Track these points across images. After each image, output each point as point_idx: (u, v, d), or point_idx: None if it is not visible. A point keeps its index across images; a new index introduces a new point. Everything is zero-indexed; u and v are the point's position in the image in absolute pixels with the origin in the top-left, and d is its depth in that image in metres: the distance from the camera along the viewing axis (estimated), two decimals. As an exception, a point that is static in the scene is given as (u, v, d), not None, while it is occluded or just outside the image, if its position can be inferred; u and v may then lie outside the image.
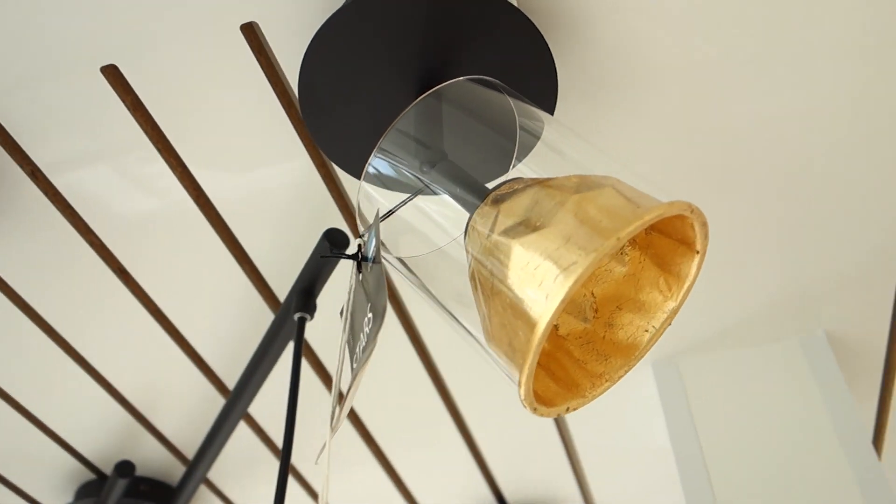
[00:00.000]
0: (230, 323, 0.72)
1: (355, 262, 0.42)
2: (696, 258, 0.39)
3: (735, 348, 0.77)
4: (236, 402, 0.71)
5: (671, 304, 0.41)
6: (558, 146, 0.43)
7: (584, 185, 0.37)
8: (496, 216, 0.38)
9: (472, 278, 0.38)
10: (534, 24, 0.47)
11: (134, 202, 0.62)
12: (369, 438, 0.85)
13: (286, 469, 0.51)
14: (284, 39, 0.52)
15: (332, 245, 0.58)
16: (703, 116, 0.58)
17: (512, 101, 0.44)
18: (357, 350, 0.37)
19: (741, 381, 0.75)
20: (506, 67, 0.48)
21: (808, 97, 0.57)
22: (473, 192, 0.41)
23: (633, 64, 0.54)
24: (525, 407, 0.37)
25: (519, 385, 0.35)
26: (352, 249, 0.58)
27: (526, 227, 0.36)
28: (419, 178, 0.44)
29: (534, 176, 0.42)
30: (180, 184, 0.60)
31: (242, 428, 0.81)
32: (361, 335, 0.38)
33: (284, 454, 0.51)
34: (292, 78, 0.54)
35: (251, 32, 0.51)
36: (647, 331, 0.42)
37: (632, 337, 0.42)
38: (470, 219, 0.40)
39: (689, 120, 0.58)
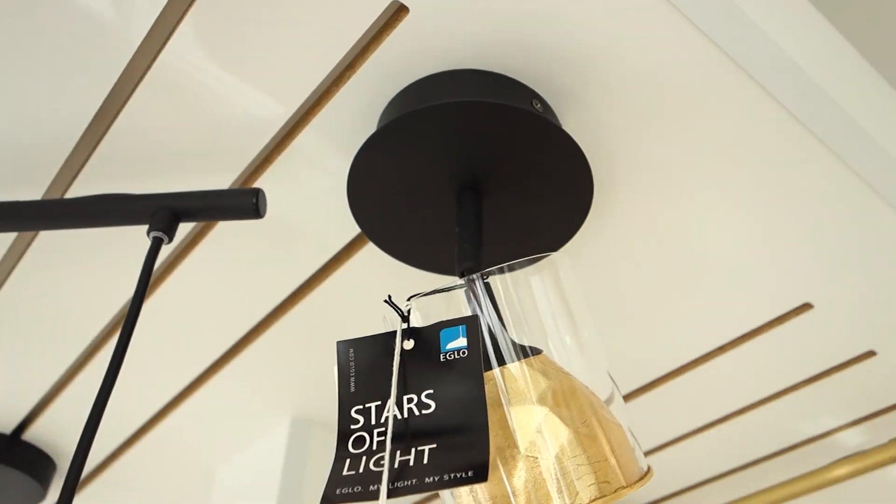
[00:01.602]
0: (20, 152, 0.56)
1: (402, 324, 0.42)
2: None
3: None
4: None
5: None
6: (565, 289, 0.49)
7: (603, 408, 0.45)
8: (545, 390, 0.43)
9: (499, 406, 0.42)
10: (579, 148, 0.52)
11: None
12: None
13: (103, 405, 0.43)
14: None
15: (256, 203, 0.53)
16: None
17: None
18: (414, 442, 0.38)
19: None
20: (543, 179, 0.53)
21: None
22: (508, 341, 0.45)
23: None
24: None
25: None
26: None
27: (579, 421, 0.42)
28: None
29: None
30: (157, 29, 0.49)
31: None
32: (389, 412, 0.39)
33: (105, 390, 0.44)
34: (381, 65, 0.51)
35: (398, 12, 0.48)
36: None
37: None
38: (501, 361, 0.44)
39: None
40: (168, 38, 0.50)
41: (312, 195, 0.60)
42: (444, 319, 0.42)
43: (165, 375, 0.78)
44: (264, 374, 0.77)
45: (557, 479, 0.41)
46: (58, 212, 0.55)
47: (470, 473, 0.36)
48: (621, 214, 0.61)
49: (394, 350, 0.41)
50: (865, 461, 0.79)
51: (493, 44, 0.49)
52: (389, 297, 0.42)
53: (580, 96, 0.52)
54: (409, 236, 0.56)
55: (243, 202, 0.53)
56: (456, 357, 0.41)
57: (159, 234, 0.52)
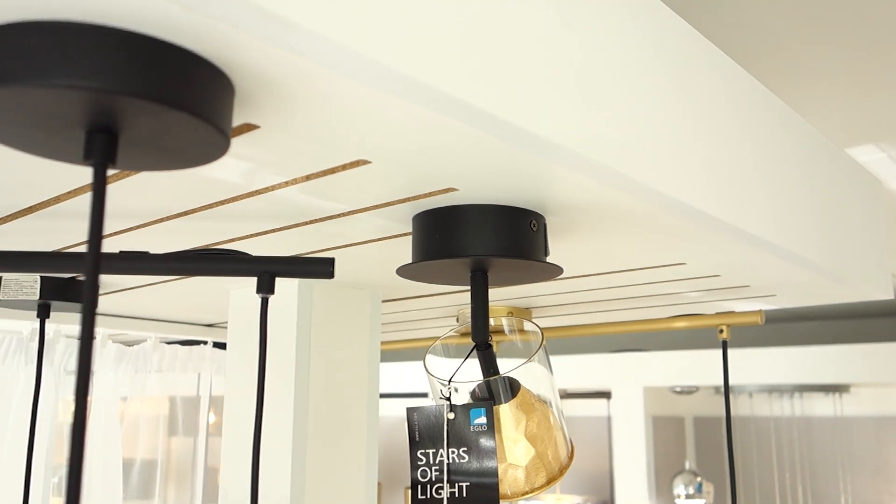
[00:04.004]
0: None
1: (447, 401, 0.71)
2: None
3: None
4: None
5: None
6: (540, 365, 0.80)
7: (555, 418, 0.77)
8: (524, 424, 0.75)
9: (499, 431, 0.74)
10: (560, 268, 0.79)
11: None
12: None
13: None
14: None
15: (332, 269, 0.75)
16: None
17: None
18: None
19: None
20: (534, 270, 0.79)
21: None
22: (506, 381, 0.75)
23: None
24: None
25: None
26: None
27: (540, 441, 0.75)
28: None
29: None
30: None
31: None
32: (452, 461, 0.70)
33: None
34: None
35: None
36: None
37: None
38: (500, 401, 0.75)
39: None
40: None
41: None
42: (473, 402, 0.71)
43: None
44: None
45: (526, 476, 0.75)
46: (182, 264, 0.75)
47: (490, 508, 0.69)
48: (575, 244, 0.87)
49: (443, 418, 0.71)
50: (697, 321, 1.17)
51: (513, 193, 0.70)
52: (441, 391, 0.71)
53: (561, 212, 0.75)
54: (431, 279, 0.81)
55: (324, 268, 0.76)
56: (480, 430, 0.71)
57: (266, 294, 0.75)
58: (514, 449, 0.76)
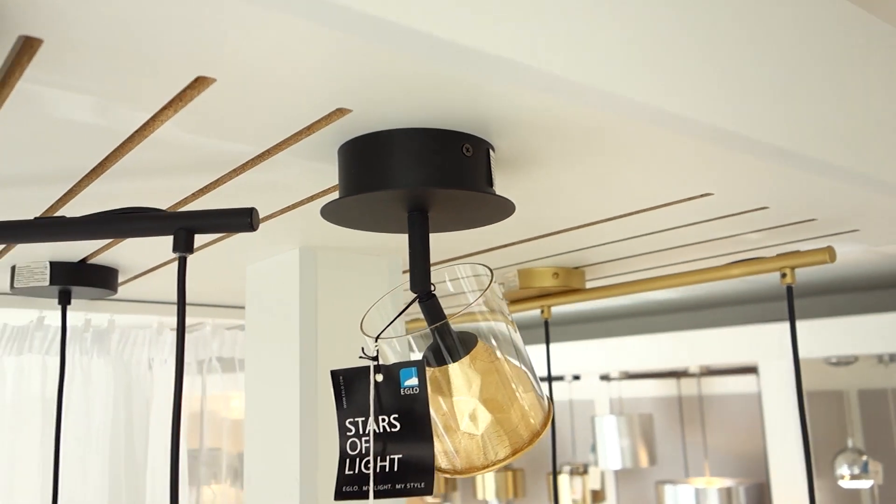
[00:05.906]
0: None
1: (373, 362, 0.61)
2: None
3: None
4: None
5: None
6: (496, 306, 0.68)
7: (520, 381, 0.65)
8: (477, 386, 0.63)
9: (449, 395, 0.63)
10: (511, 202, 0.67)
11: None
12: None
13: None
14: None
15: (251, 220, 0.67)
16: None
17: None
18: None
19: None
20: (478, 209, 0.68)
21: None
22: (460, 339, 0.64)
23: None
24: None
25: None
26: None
27: (497, 406, 0.63)
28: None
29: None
30: None
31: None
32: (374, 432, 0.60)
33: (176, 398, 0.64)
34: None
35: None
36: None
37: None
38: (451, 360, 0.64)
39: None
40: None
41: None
42: (402, 361, 0.61)
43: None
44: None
45: (483, 447, 0.64)
46: (94, 225, 0.69)
47: (422, 485, 0.59)
48: (531, 176, 0.74)
49: (369, 381, 0.61)
50: (755, 266, 1.00)
51: (433, 112, 0.59)
52: (363, 349, 0.61)
53: (509, 134, 0.63)
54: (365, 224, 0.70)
55: (241, 220, 0.68)
56: (411, 393, 0.60)
57: (183, 253, 0.68)
58: (466, 415, 0.65)
